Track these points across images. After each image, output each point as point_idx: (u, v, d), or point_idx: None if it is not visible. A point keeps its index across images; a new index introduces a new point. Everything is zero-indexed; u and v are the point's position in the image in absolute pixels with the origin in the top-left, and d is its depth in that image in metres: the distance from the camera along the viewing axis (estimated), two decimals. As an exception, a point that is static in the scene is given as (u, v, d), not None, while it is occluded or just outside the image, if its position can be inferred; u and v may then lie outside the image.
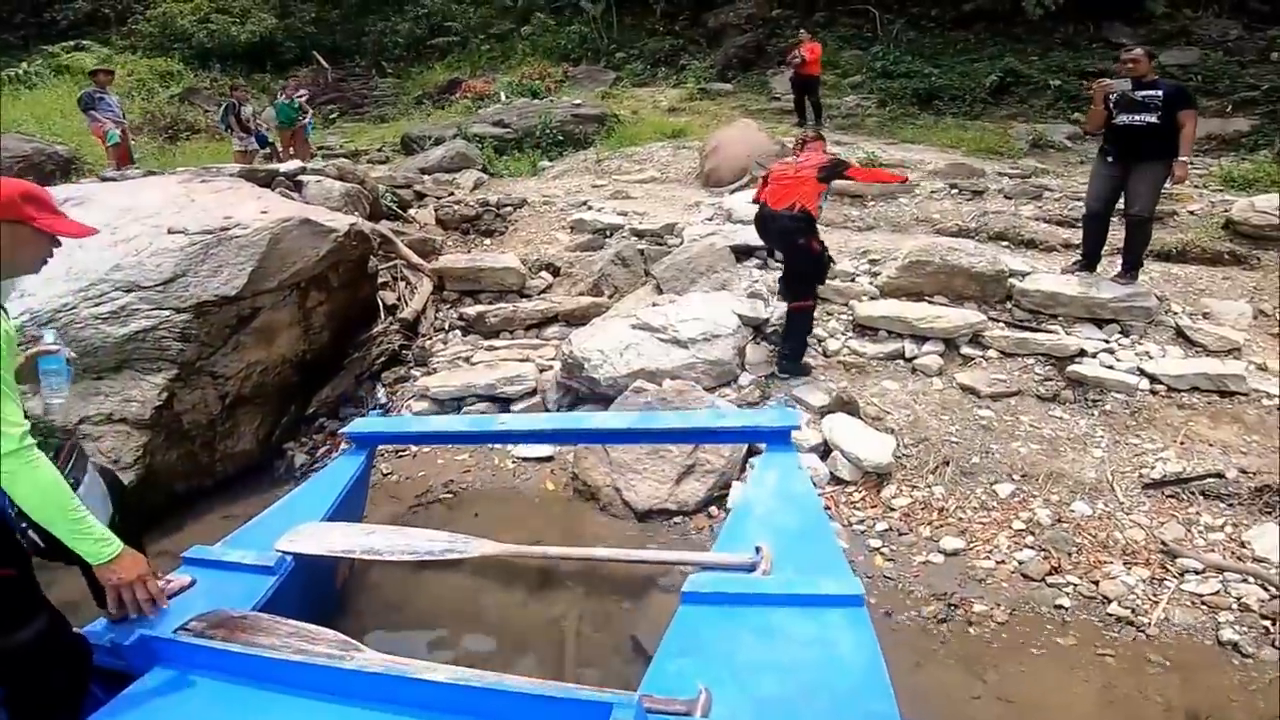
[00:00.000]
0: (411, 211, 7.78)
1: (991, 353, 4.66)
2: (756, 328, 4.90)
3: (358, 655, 1.90)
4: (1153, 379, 4.27)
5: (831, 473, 3.85)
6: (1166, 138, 4.57)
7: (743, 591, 2.09)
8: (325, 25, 19.29)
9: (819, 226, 4.60)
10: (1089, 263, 5.11)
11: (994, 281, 5.04)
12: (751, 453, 3.85)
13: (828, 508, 3.64)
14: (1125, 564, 3.15)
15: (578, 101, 12.39)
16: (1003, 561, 3.24)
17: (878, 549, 3.40)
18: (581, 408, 4.59)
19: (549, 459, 4.27)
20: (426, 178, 8.98)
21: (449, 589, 3.16)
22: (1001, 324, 4.84)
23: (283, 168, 6.96)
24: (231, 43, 17.42)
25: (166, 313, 4.12)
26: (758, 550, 2.25)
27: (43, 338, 2.18)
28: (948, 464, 3.81)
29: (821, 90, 11.21)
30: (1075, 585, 3.07)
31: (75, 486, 1.79)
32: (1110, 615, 2.92)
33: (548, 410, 4.70)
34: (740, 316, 4.80)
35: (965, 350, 4.69)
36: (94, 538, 1.71)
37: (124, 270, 4.20)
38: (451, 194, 8.29)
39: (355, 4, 19.76)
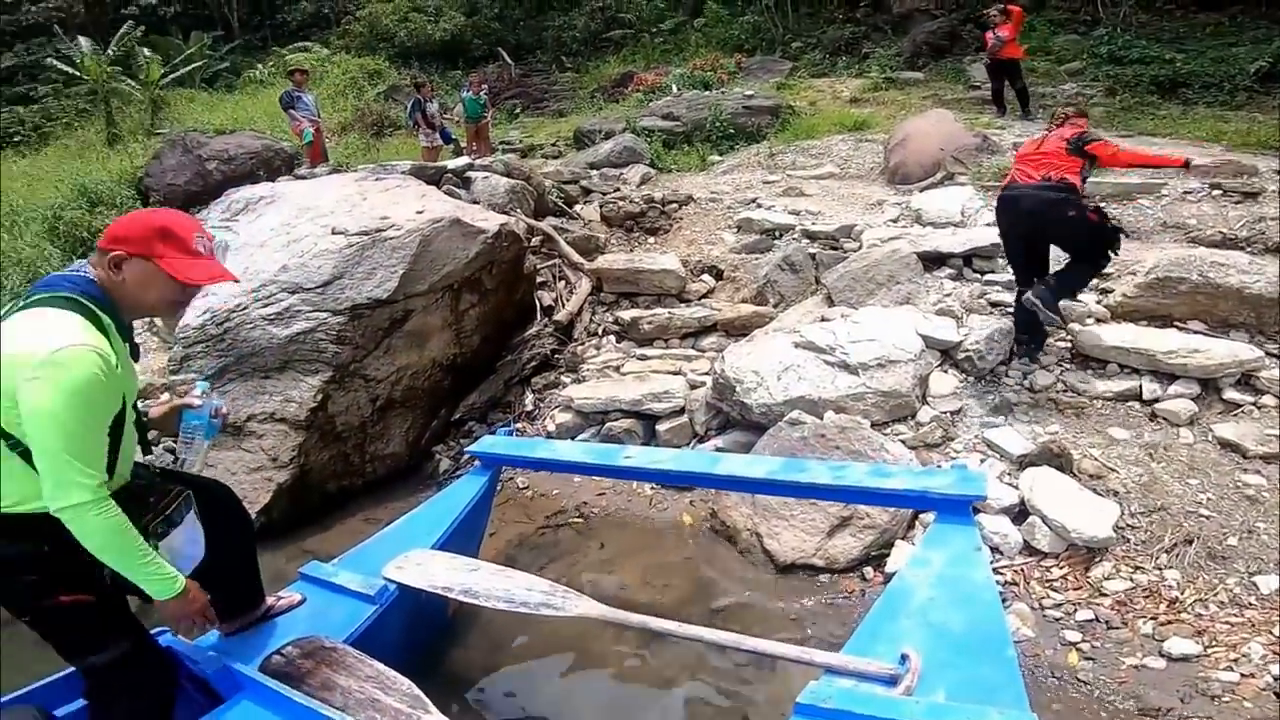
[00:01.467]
0: (577, 207, 7.65)
1: (1267, 399, 3.65)
2: (945, 352, 4.19)
3: (424, 718, 1.91)
4: None
5: (1026, 541, 3.14)
6: None
7: (875, 715, 1.65)
8: (509, 22, 19.90)
9: None
10: None
11: (1276, 307, 3.97)
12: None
13: (1014, 582, 2.99)
14: None
15: (749, 93, 11.81)
16: (1250, 675, 2.46)
17: (1075, 643, 2.70)
18: (730, 433, 4.17)
19: (689, 488, 3.91)
20: (594, 173, 8.84)
21: (557, 635, 2.91)
22: (1284, 361, 3.80)
23: (451, 164, 7.03)
24: (427, 40, 18.38)
25: (324, 315, 4.14)
26: (904, 659, 1.78)
27: (194, 389, 2.17)
28: (1190, 542, 2.98)
29: (1028, 76, 9.83)
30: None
31: (170, 527, 1.86)
32: None
33: (695, 432, 4.33)
34: (925, 338, 4.12)
35: (1229, 395, 3.70)
36: (159, 577, 1.71)
37: (290, 271, 4.28)
38: (617, 189, 8.08)
39: (535, 1, 20.29)
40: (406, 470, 4.59)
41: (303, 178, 7.20)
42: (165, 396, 3.25)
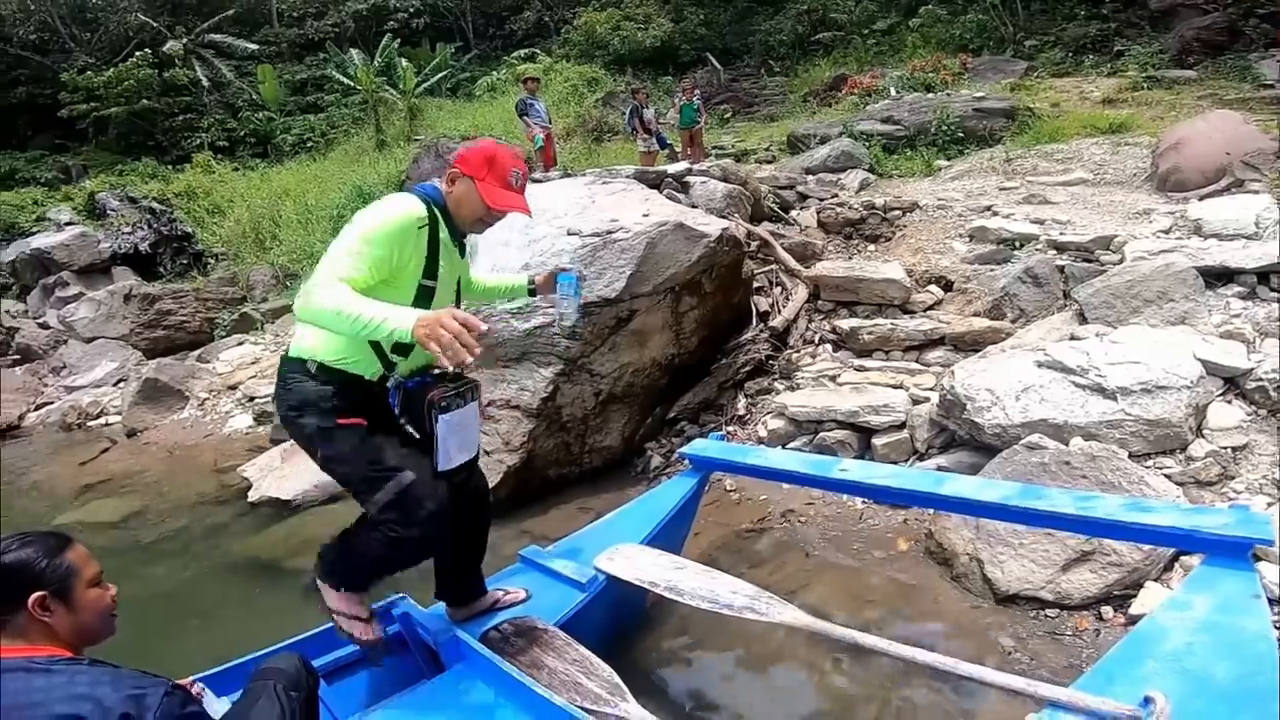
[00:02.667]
0: (793, 213, 7.53)
1: None
2: (1230, 380, 3.62)
3: (621, 705, 1.98)
4: None
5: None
6: None
7: None
8: (715, 28, 20.06)
9: None
10: None
11: None
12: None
13: None
14: None
15: (979, 94, 11.00)
16: None
17: None
18: (954, 452, 3.90)
19: (906, 506, 3.69)
20: (810, 178, 8.67)
21: (754, 637, 2.89)
22: None
23: (671, 169, 7.19)
24: (638, 48, 19.03)
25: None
26: (1147, 701, 1.52)
27: (561, 258, 2.74)
28: None
29: None
30: None
31: (457, 403, 2.04)
32: None
33: (915, 449, 4.09)
34: (1205, 363, 3.58)
35: None
36: (394, 321, 1.71)
37: (531, 269, 4.58)
38: (835, 195, 7.86)
39: (741, 6, 20.33)
40: (620, 463, 4.75)
41: (537, 181, 7.70)
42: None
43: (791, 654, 2.83)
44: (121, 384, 8.78)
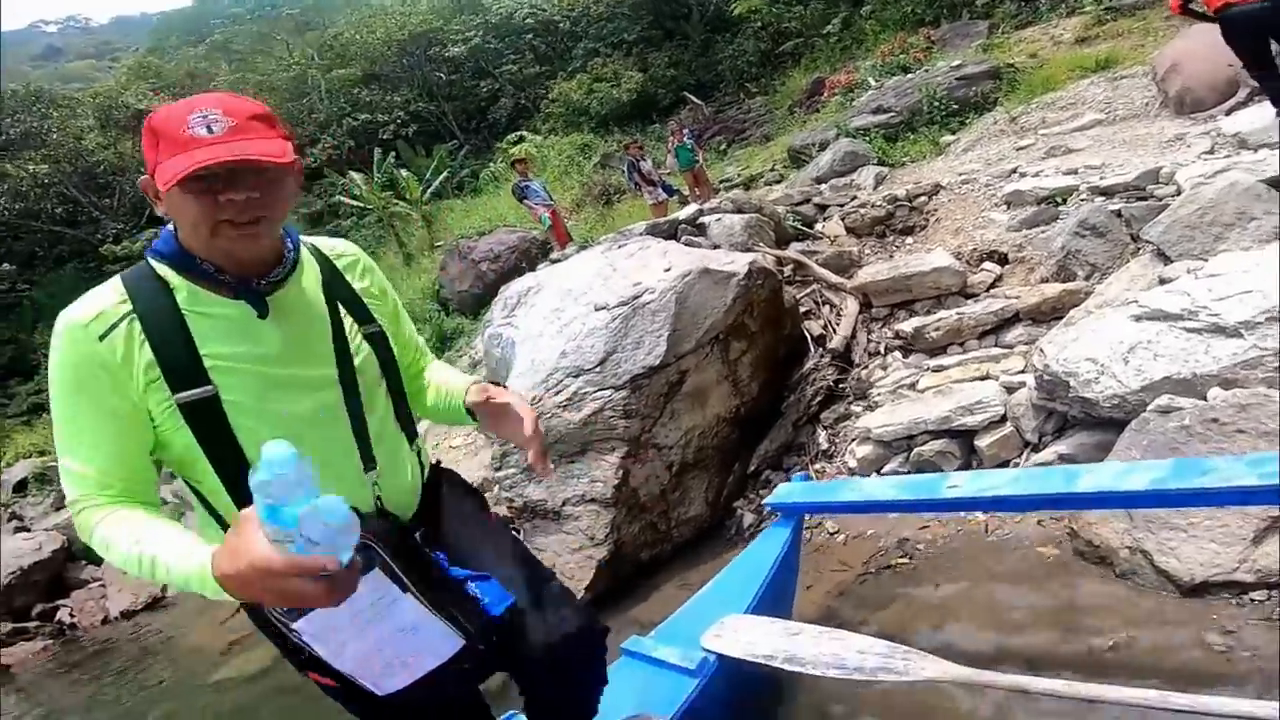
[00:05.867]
0: (819, 226, 7.32)
1: None
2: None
3: None
4: None
5: None
6: None
7: None
8: (683, 66, 20.47)
9: None
10: None
11: None
12: None
13: None
14: None
15: (956, 63, 10.89)
16: None
17: None
18: (1073, 435, 3.53)
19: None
20: (823, 187, 8.49)
21: (902, 704, 2.49)
22: None
23: (681, 215, 7.04)
24: (617, 104, 19.44)
25: (608, 392, 4.21)
26: None
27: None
28: None
29: None
30: None
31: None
32: None
33: (1025, 441, 3.73)
34: (1327, 274, 3.21)
35: None
36: (185, 572, 1.05)
37: (569, 356, 4.41)
38: (854, 197, 7.63)
39: (700, 39, 20.68)
40: (711, 530, 4.47)
41: (557, 261, 7.63)
42: None
43: (948, 716, 2.41)
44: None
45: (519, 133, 20.42)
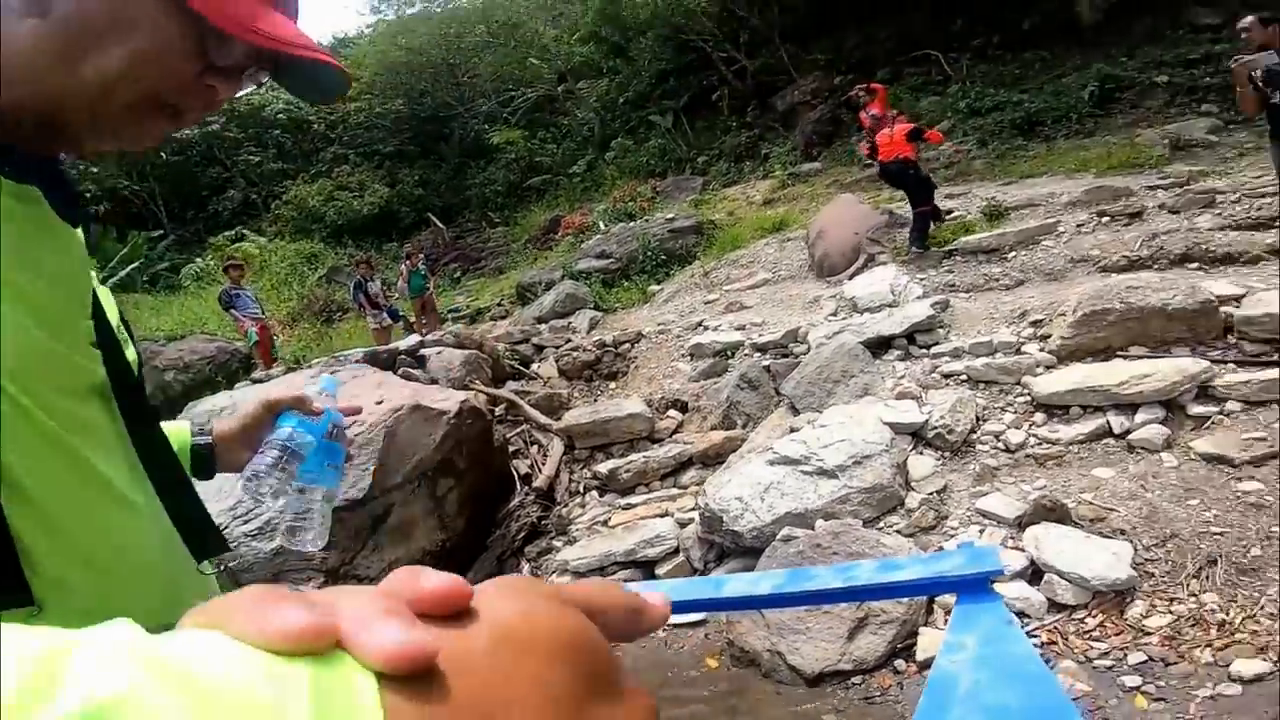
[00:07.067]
0: (534, 366, 7.76)
1: (1232, 405, 3.77)
2: (915, 434, 4.27)
3: None
4: None
5: (1049, 599, 3.13)
6: None
7: None
8: (432, 186, 20.43)
9: None
10: None
11: (1202, 315, 4.19)
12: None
13: (1052, 642, 2.96)
14: None
15: (670, 215, 12.08)
16: None
17: (1136, 687, 2.65)
18: (728, 563, 4.13)
19: (701, 623, 3.83)
20: (543, 327, 9.02)
21: None
22: (1231, 365, 3.95)
23: (402, 345, 7.08)
24: (356, 216, 18.59)
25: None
26: None
27: (315, 383, 1.19)
28: (1215, 562, 3.02)
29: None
30: None
31: None
32: None
33: (694, 569, 4.27)
34: (891, 425, 4.21)
35: (1195, 410, 3.82)
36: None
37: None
38: (568, 340, 8.22)
39: (455, 162, 21.03)
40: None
41: (259, 381, 7.15)
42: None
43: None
44: None
45: (241, 230, 18.31)
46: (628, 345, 7.34)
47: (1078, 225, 6.44)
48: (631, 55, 18.47)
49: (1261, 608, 2.79)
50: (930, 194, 7.76)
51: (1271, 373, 3.76)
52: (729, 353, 6.35)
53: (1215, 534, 3.12)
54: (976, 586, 1.89)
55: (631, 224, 12.40)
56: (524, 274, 12.48)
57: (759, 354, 6.03)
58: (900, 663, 3.12)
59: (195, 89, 0.67)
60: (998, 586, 3.10)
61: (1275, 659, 2.59)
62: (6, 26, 0.58)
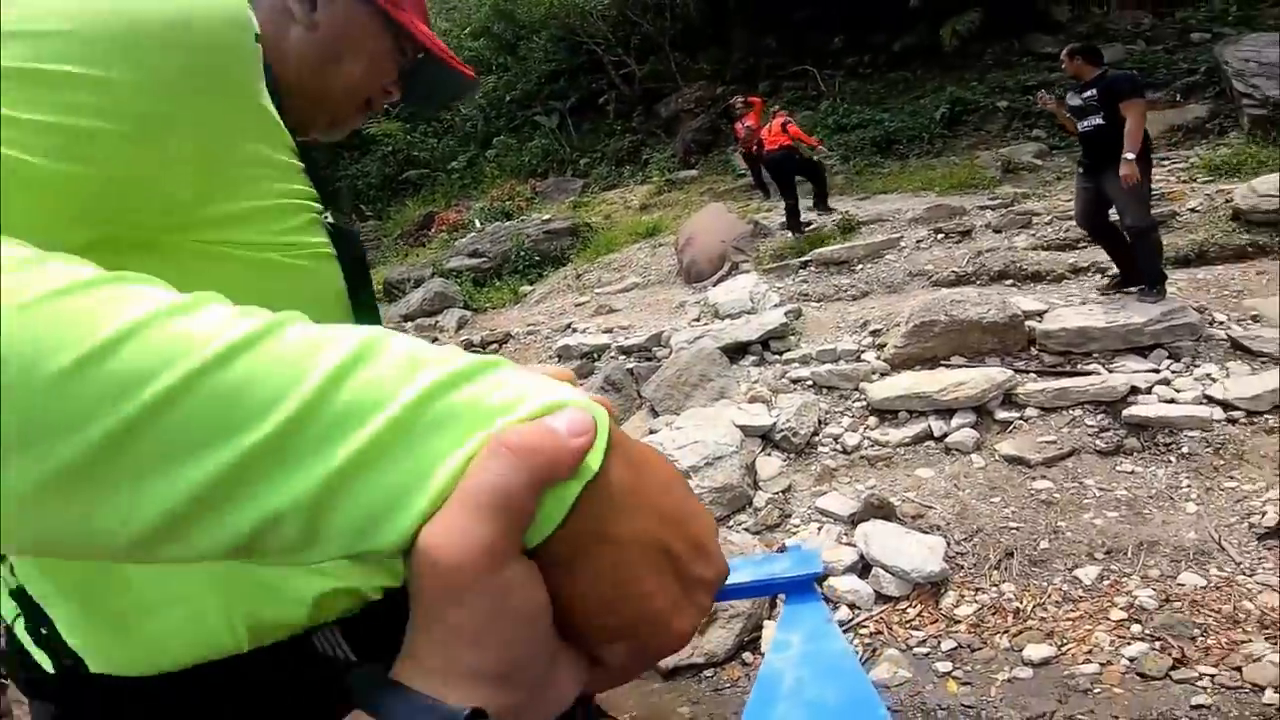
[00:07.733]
0: (399, 367, 7.50)
1: (1030, 411, 4.22)
2: (764, 436, 4.51)
3: None
4: (1225, 405, 3.81)
5: (876, 591, 3.39)
6: (1120, 138, 4.26)
7: None
8: None
9: None
10: (1127, 277, 4.78)
11: (1010, 329, 4.65)
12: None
13: (879, 631, 3.20)
14: (1269, 639, 2.62)
15: (547, 217, 12.12)
16: (1109, 663, 2.73)
17: (948, 673, 2.91)
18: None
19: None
20: (409, 325, 8.83)
21: None
22: (1032, 374, 4.42)
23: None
24: None
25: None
26: None
27: None
28: (1011, 555, 3.35)
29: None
30: (1211, 676, 2.55)
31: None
32: (1270, 706, 2.39)
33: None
34: (742, 428, 4.42)
35: (1000, 415, 4.25)
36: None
37: None
38: (435, 339, 8.04)
39: (326, 153, 20.26)
40: None
41: None
42: None
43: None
44: None
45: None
46: (495, 346, 7.31)
47: (917, 241, 7.00)
48: (522, 54, 18.31)
49: (1049, 596, 3.14)
50: (821, 175, 8.29)
51: (1064, 381, 4.25)
52: (596, 355, 6.44)
53: (1013, 528, 3.47)
54: (802, 588, 2.01)
55: (508, 223, 12.36)
56: (393, 270, 12.16)
57: (624, 356, 6.16)
58: (748, 655, 3.29)
59: (385, 91, 0.82)
60: (832, 579, 3.37)
61: (1059, 644, 2.92)
62: (284, 29, 0.73)
